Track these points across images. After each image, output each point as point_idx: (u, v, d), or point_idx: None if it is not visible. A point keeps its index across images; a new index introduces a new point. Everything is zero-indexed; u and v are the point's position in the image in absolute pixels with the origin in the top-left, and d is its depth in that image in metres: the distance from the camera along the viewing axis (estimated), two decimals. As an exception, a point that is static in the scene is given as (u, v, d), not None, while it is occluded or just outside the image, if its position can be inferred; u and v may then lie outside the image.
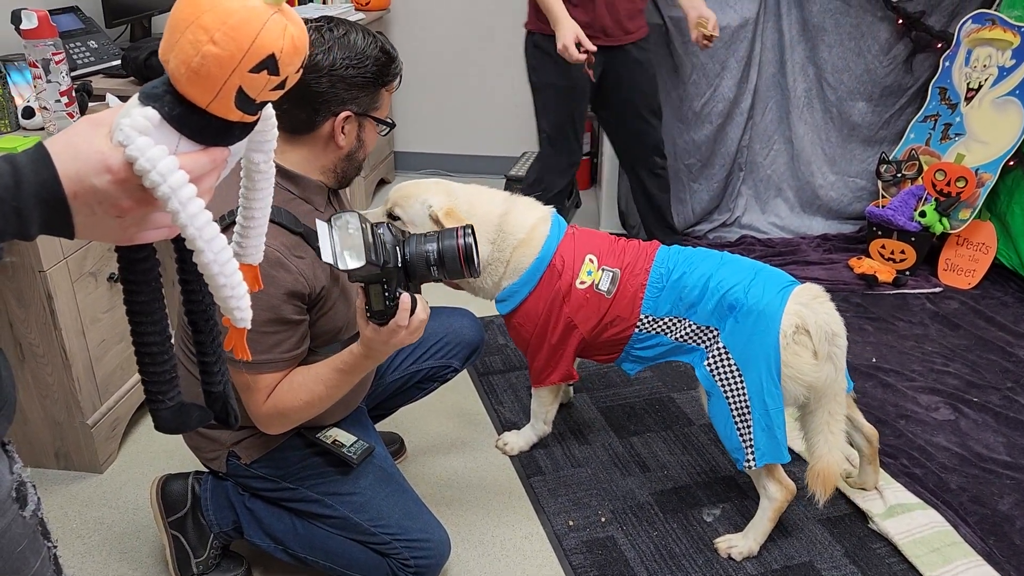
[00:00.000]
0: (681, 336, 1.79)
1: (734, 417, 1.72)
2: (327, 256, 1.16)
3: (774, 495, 1.76)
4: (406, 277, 1.27)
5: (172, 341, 0.79)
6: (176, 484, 1.70)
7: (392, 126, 1.50)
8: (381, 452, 1.67)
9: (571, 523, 1.90)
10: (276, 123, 0.79)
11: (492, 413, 2.33)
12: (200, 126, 0.67)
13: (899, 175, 3.19)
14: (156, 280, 0.76)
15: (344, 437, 1.61)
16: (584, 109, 2.72)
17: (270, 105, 0.76)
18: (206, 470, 1.67)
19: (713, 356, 1.74)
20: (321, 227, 1.17)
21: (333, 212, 1.40)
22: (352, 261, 1.17)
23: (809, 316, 1.69)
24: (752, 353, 1.68)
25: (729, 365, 1.72)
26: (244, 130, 0.71)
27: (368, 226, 1.21)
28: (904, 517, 1.87)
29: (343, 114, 1.40)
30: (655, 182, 2.95)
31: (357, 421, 1.69)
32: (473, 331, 1.91)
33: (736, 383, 1.71)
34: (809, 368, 1.68)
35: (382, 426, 2.06)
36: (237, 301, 0.73)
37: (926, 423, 2.23)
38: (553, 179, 2.81)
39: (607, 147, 3.43)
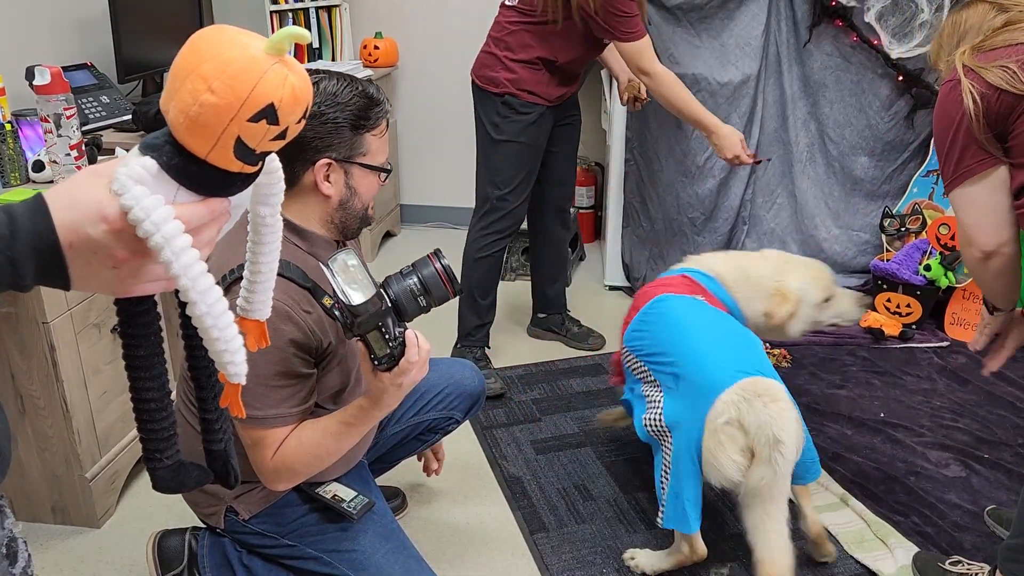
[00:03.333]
0: (640, 377, 1.88)
1: (661, 473, 1.76)
2: (339, 293, 1.16)
3: (681, 549, 1.79)
4: (398, 316, 1.26)
5: (172, 397, 0.78)
6: (173, 540, 1.67)
7: (386, 171, 1.48)
8: (381, 507, 1.64)
9: (575, 582, 1.86)
10: (283, 175, 0.79)
11: (495, 467, 2.30)
12: (199, 176, 0.67)
13: (903, 229, 3.20)
14: (156, 334, 0.75)
15: (344, 492, 1.58)
16: (537, 168, 2.68)
17: (276, 157, 0.76)
18: (204, 525, 1.65)
19: (650, 411, 1.78)
20: (323, 269, 1.18)
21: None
22: (357, 296, 1.17)
23: (748, 413, 1.60)
24: (681, 420, 1.69)
25: (660, 424, 1.74)
26: (245, 181, 0.71)
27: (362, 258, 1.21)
28: (916, 577, 1.83)
29: (321, 162, 1.39)
30: (564, 228, 2.99)
31: (358, 476, 1.67)
32: (475, 382, 1.90)
33: (665, 443, 1.74)
34: (729, 464, 1.61)
35: (383, 480, 2.03)
36: (231, 356, 0.72)
37: (937, 480, 2.19)
38: (493, 238, 2.69)
39: (612, 201, 3.45)
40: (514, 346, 2.90)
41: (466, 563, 1.94)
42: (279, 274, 1.34)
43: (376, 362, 1.25)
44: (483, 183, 2.68)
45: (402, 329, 1.25)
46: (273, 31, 3.32)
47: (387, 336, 1.23)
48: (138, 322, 0.73)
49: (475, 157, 2.71)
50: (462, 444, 2.40)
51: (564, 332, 3.04)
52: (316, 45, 3.67)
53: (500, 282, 3.62)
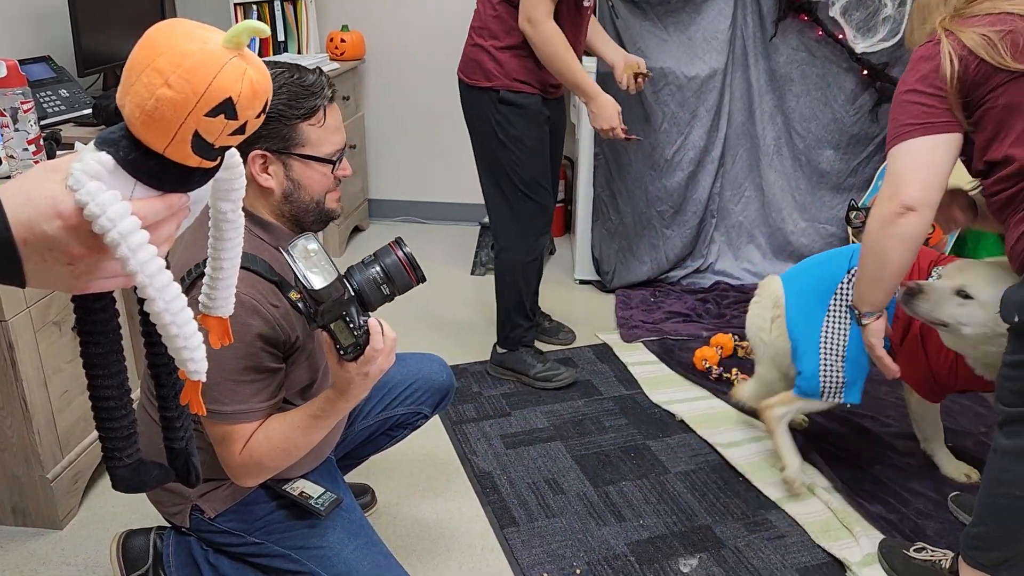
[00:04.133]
0: None
1: None
2: (300, 278, 1.15)
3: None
4: (362, 306, 1.25)
5: (132, 396, 0.76)
6: (137, 540, 1.64)
7: (327, 162, 1.42)
8: (350, 503, 1.63)
9: (545, 575, 1.86)
10: (244, 171, 0.78)
11: (465, 462, 2.29)
12: (157, 171, 0.66)
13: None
14: (114, 332, 0.73)
15: (311, 489, 1.57)
16: (548, 159, 2.63)
17: (236, 152, 0.75)
18: (169, 525, 1.62)
19: None
20: (284, 255, 1.16)
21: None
22: (318, 280, 1.15)
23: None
24: None
25: None
26: (204, 176, 0.70)
27: (325, 247, 1.20)
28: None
29: (253, 153, 1.36)
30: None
31: (326, 472, 1.65)
32: (443, 376, 1.88)
33: None
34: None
35: (352, 476, 2.02)
36: (191, 352, 0.71)
37: (902, 469, 2.22)
38: (536, 239, 2.62)
39: (581, 195, 3.46)
40: (484, 341, 2.89)
41: (436, 559, 1.93)
42: (246, 268, 1.33)
43: (341, 352, 1.24)
44: (501, 186, 2.56)
45: (366, 318, 1.24)
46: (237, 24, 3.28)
47: (351, 325, 1.22)
48: (96, 319, 0.72)
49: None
50: (432, 440, 2.39)
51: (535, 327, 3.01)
52: (281, 38, 3.63)
53: (472, 276, 3.65)
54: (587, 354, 2.92)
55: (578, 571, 1.87)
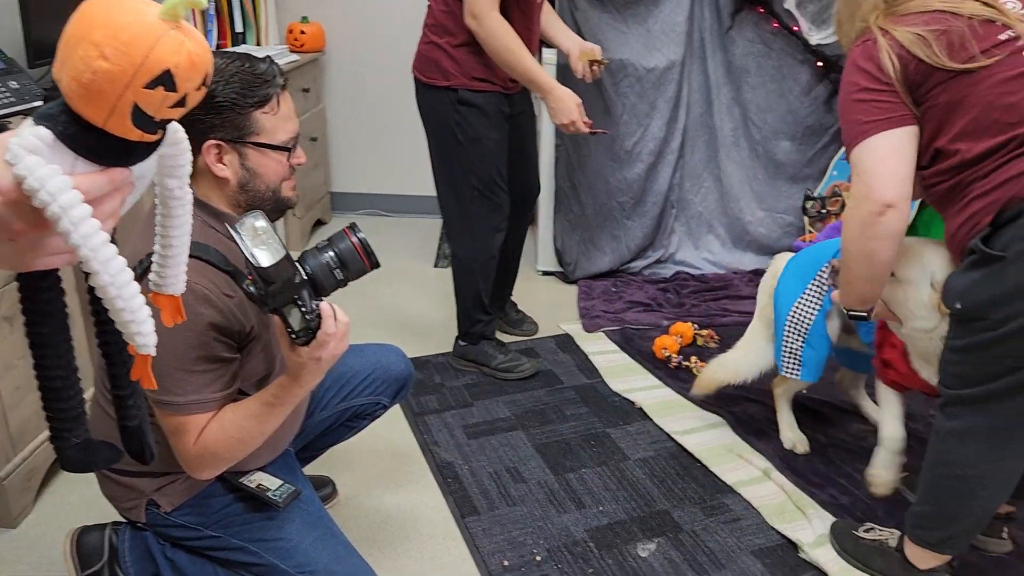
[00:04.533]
0: None
1: None
2: (247, 256, 1.15)
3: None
4: (315, 291, 1.26)
5: (79, 377, 0.76)
6: (92, 536, 1.63)
7: (282, 149, 1.42)
8: (308, 495, 1.63)
9: (506, 563, 1.88)
10: (189, 146, 0.77)
11: (427, 453, 2.30)
12: (97, 146, 0.65)
13: (824, 211, 3.30)
14: (61, 311, 0.73)
15: (269, 481, 1.56)
16: (506, 158, 2.58)
17: (180, 127, 0.74)
18: (124, 520, 1.61)
19: None
20: (232, 232, 1.16)
21: None
22: (265, 258, 1.15)
23: None
24: None
25: None
26: (147, 150, 0.70)
27: (274, 227, 1.19)
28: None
29: (207, 143, 1.35)
30: (523, 225, 2.87)
31: (284, 464, 1.65)
32: (401, 366, 1.89)
33: None
34: None
35: (313, 469, 2.02)
36: (138, 326, 0.70)
37: (854, 452, 2.27)
38: (491, 237, 2.60)
39: (544, 187, 3.46)
40: (446, 333, 2.89)
41: (397, 549, 1.94)
42: (199, 258, 1.33)
43: (293, 336, 1.24)
44: (457, 185, 2.53)
45: (319, 302, 1.25)
46: (193, 13, 3.23)
47: (303, 309, 1.22)
48: (41, 298, 0.71)
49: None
50: (394, 432, 2.40)
51: (502, 317, 2.98)
52: (240, 30, 3.59)
53: (435, 269, 3.65)
54: (549, 344, 2.94)
55: (538, 558, 1.89)
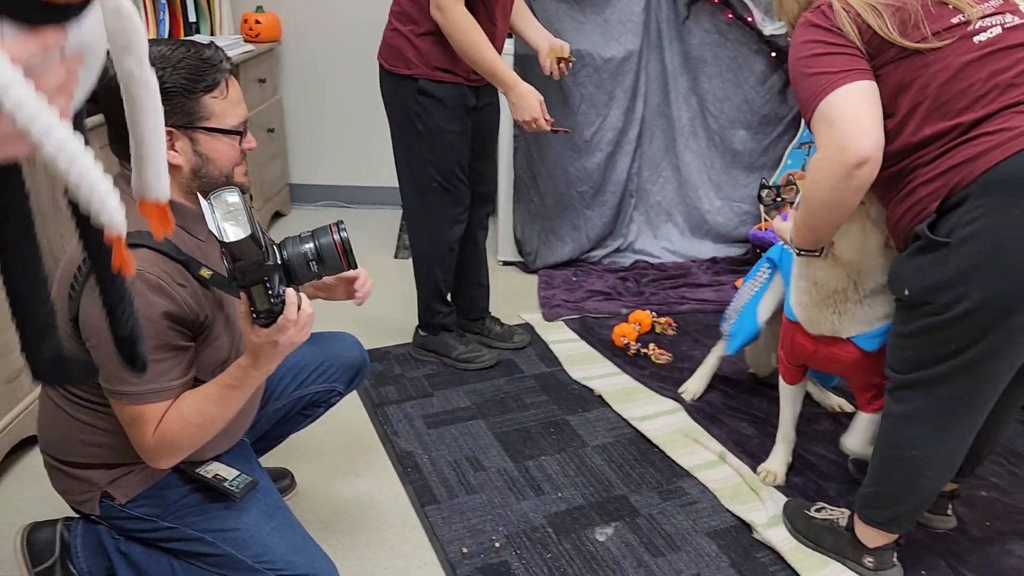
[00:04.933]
0: None
1: None
2: (212, 228, 1.14)
3: None
4: (288, 278, 1.26)
5: (48, 287, 0.74)
6: (43, 532, 1.60)
7: (237, 133, 1.42)
8: (266, 486, 1.62)
9: (465, 550, 1.89)
10: (139, 20, 0.72)
11: (386, 443, 2.30)
12: (21, 4, 0.59)
13: (779, 199, 3.34)
14: (25, 216, 0.69)
15: (226, 471, 1.55)
16: (468, 153, 2.57)
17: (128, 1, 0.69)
18: (76, 515, 1.59)
19: None
20: (203, 204, 1.16)
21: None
22: (233, 234, 1.15)
23: None
24: None
25: None
26: (80, 8, 0.63)
27: (249, 204, 1.20)
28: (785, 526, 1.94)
29: None
30: (484, 226, 2.83)
31: (240, 455, 1.64)
32: (355, 353, 1.89)
33: None
34: None
35: (272, 460, 2.01)
36: (100, 203, 0.65)
37: (807, 435, 2.32)
38: (449, 229, 2.59)
39: (503, 177, 3.48)
40: (407, 323, 2.89)
41: (356, 538, 1.94)
42: (151, 247, 1.32)
43: (255, 315, 1.25)
44: (416, 175, 2.51)
45: (285, 288, 1.25)
46: (144, 2, 3.18)
47: (270, 292, 1.23)
48: (1, 198, 0.67)
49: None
50: (353, 422, 2.39)
51: (486, 333, 2.87)
52: (193, 19, 3.53)
53: (395, 259, 3.64)
54: (509, 334, 2.95)
55: (497, 544, 1.90)
